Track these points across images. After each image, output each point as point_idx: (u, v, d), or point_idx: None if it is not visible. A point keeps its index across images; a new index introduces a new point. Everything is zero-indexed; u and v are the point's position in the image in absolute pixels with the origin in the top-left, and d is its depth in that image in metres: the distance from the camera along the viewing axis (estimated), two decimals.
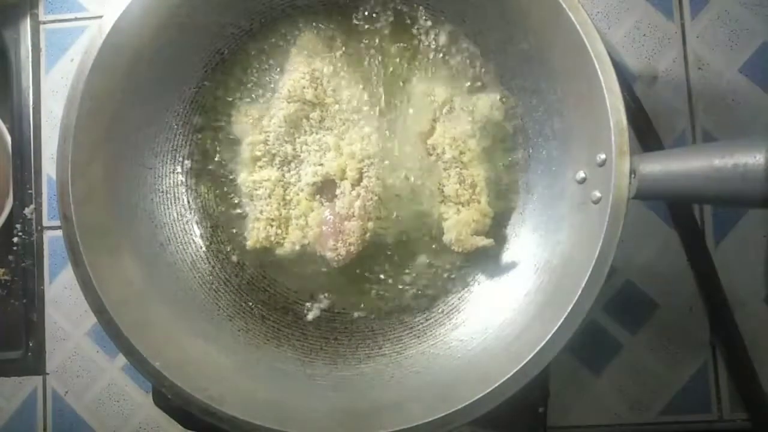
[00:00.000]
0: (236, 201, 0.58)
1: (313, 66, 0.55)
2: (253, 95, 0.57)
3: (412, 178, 0.54)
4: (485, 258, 0.55)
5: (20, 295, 0.66)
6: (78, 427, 0.65)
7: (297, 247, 0.55)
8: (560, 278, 0.47)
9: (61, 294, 0.65)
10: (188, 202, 0.58)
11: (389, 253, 0.56)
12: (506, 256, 0.55)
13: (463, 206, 0.54)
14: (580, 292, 0.42)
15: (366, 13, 0.56)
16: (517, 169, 0.56)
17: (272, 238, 0.55)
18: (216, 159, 0.58)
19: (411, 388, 0.51)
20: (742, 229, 0.60)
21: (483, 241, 0.53)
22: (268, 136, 0.55)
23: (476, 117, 0.55)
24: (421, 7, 0.55)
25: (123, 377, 0.65)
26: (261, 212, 0.55)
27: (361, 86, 0.56)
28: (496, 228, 0.55)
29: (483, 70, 0.56)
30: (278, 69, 0.57)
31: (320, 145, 0.55)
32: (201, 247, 0.58)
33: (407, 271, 0.56)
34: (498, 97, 0.55)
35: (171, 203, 0.57)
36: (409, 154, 0.55)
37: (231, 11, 0.54)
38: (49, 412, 0.65)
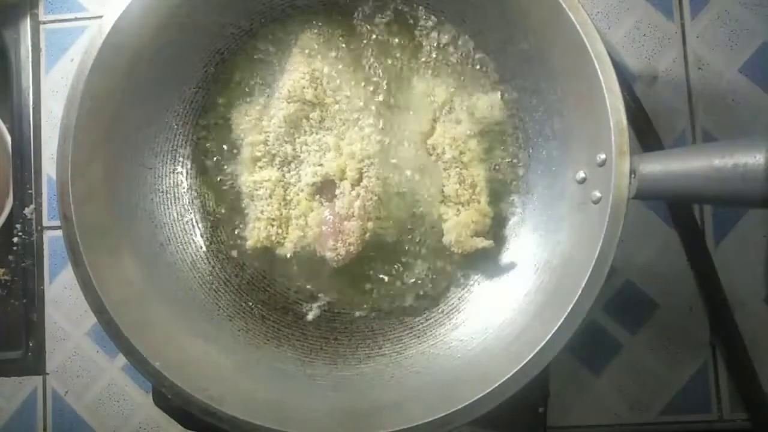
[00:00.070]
0: (236, 201, 0.58)
1: (313, 66, 0.55)
2: (253, 95, 0.57)
3: (412, 179, 0.54)
4: (485, 258, 0.55)
5: (20, 295, 0.66)
6: (78, 427, 0.65)
7: (297, 247, 0.55)
8: (560, 278, 0.47)
9: (61, 294, 0.65)
10: (188, 202, 0.58)
11: (389, 253, 0.56)
12: (506, 256, 0.55)
13: (462, 206, 0.54)
14: (580, 292, 0.42)
15: (366, 13, 0.56)
16: (517, 169, 0.56)
17: (272, 238, 0.55)
18: (216, 159, 0.58)
19: (411, 388, 0.51)
20: (742, 229, 0.60)
21: (483, 243, 0.53)
22: (268, 136, 0.55)
23: (476, 117, 0.55)
24: (421, 7, 0.55)
25: (123, 377, 0.65)
26: (261, 212, 0.55)
27: (361, 86, 0.56)
28: (496, 228, 0.55)
29: (483, 70, 0.56)
30: (278, 69, 0.57)
31: (320, 145, 0.55)
32: (201, 247, 0.58)
33: (407, 271, 0.56)
34: (498, 97, 0.55)
35: (171, 203, 0.57)
36: (409, 154, 0.55)
37: (231, 11, 0.54)
38: (49, 412, 0.65)
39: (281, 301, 0.58)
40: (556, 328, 0.42)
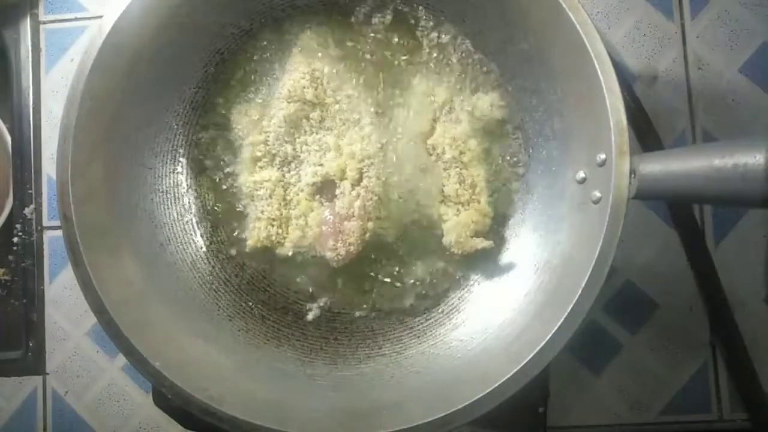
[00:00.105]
0: (236, 201, 0.58)
1: (313, 66, 0.55)
2: (253, 95, 0.57)
3: (412, 178, 0.54)
4: (485, 258, 0.55)
5: (20, 295, 0.66)
6: (78, 427, 0.65)
7: (297, 247, 0.55)
8: (560, 278, 0.47)
9: (61, 294, 0.65)
10: (188, 202, 0.58)
11: (389, 253, 0.56)
12: (506, 256, 0.55)
13: (462, 206, 0.54)
14: (580, 292, 0.42)
15: (366, 13, 0.56)
16: (517, 169, 0.56)
17: (273, 238, 0.55)
18: (216, 159, 0.58)
19: (411, 388, 0.51)
20: (742, 229, 0.60)
21: (482, 243, 0.53)
22: (268, 136, 0.55)
23: (476, 117, 0.55)
24: (421, 7, 0.55)
25: (123, 377, 0.65)
26: (261, 212, 0.55)
27: (361, 86, 0.56)
28: (496, 228, 0.55)
29: (483, 70, 0.56)
30: (278, 69, 0.57)
31: (320, 145, 0.55)
32: (201, 247, 0.58)
33: (407, 271, 0.56)
34: (498, 97, 0.55)
35: (171, 203, 0.57)
36: (409, 154, 0.55)
37: (231, 11, 0.54)
38: (49, 412, 0.65)
39: (281, 301, 0.58)
40: (556, 328, 0.42)
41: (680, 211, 0.59)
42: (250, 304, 0.57)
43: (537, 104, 0.53)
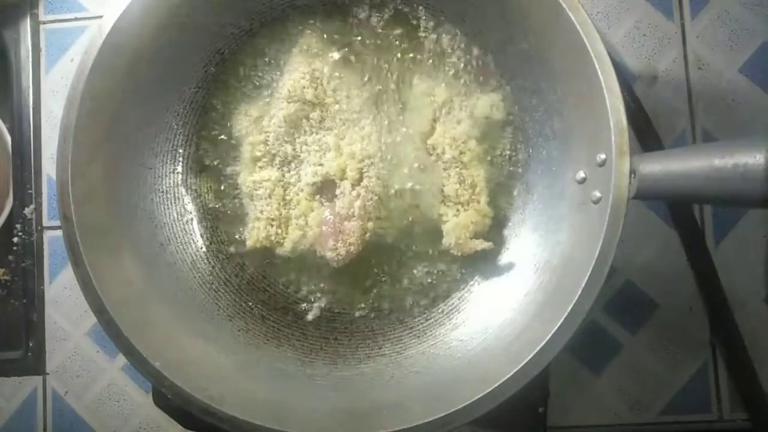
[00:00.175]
0: (236, 201, 0.58)
1: (313, 66, 0.55)
2: (253, 95, 0.57)
3: (412, 178, 0.54)
4: (485, 258, 0.55)
5: (20, 295, 0.66)
6: (78, 427, 0.65)
7: (297, 247, 0.55)
8: (560, 278, 0.47)
9: (61, 294, 0.65)
10: (188, 202, 0.58)
11: (389, 253, 0.56)
12: (506, 256, 0.55)
13: (462, 206, 0.54)
14: (580, 292, 0.42)
15: (366, 13, 0.56)
16: (517, 169, 0.56)
17: (272, 238, 0.55)
18: (216, 159, 0.58)
19: (411, 388, 0.51)
20: (742, 229, 0.60)
21: (482, 245, 0.53)
22: (268, 136, 0.55)
23: (476, 117, 0.55)
24: (421, 7, 0.55)
25: (123, 377, 0.65)
26: (261, 212, 0.55)
27: (361, 86, 0.56)
28: (496, 228, 0.55)
29: (483, 70, 0.56)
30: (278, 69, 0.57)
31: (320, 145, 0.55)
32: (201, 247, 0.58)
33: (407, 271, 0.56)
34: (498, 97, 0.55)
35: (171, 203, 0.57)
36: (409, 154, 0.55)
37: (231, 11, 0.54)
38: (49, 412, 0.65)
39: (281, 301, 0.58)
40: (556, 328, 0.42)
41: (680, 211, 0.59)
42: (250, 304, 0.57)
43: (537, 104, 0.53)
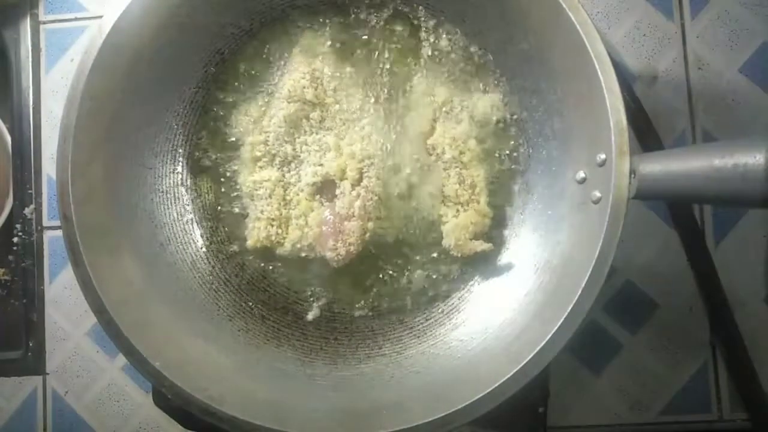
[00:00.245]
0: (236, 201, 0.58)
1: (313, 66, 0.55)
2: (253, 95, 0.57)
3: (412, 179, 0.54)
4: (485, 258, 0.55)
5: (20, 295, 0.66)
6: (78, 427, 0.65)
7: (297, 247, 0.55)
8: (560, 278, 0.47)
9: (61, 294, 0.65)
10: (188, 202, 0.58)
11: (389, 253, 0.56)
12: (506, 256, 0.55)
13: (462, 206, 0.54)
14: (580, 292, 0.42)
15: (366, 13, 0.56)
16: (517, 169, 0.56)
17: (272, 238, 0.55)
18: (216, 159, 0.58)
19: (411, 388, 0.51)
20: (742, 229, 0.60)
21: (482, 246, 0.53)
22: (268, 136, 0.55)
23: (476, 117, 0.55)
24: (421, 7, 0.55)
25: (123, 377, 0.65)
26: (261, 212, 0.55)
27: (361, 86, 0.56)
28: (496, 228, 0.55)
29: (483, 70, 0.56)
30: (278, 69, 0.57)
31: (320, 145, 0.55)
32: (201, 247, 0.58)
33: (407, 271, 0.56)
34: (498, 97, 0.55)
35: (171, 203, 0.57)
36: (409, 154, 0.55)
37: (231, 11, 0.54)
38: (49, 412, 0.65)
39: (281, 301, 0.58)
40: (556, 328, 0.42)
41: (680, 211, 0.59)
42: (250, 304, 0.57)
43: (537, 104, 0.53)
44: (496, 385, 0.43)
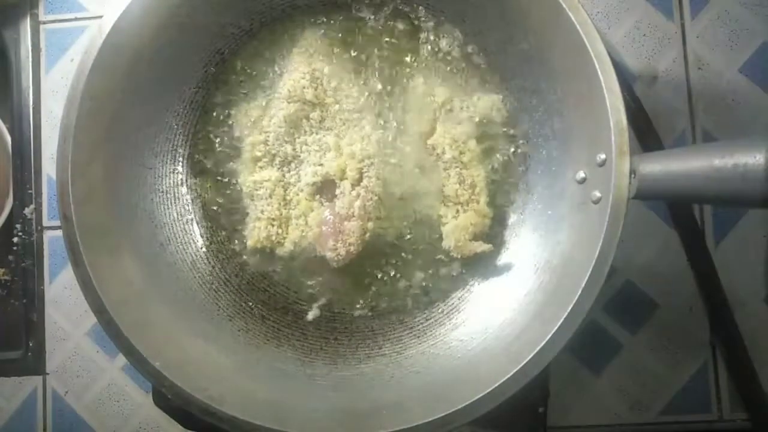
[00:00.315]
0: (236, 201, 0.58)
1: (313, 66, 0.55)
2: (253, 95, 0.57)
3: (412, 179, 0.54)
4: (485, 258, 0.55)
5: (20, 295, 0.66)
6: (78, 427, 0.65)
7: (297, 247, 0.55)
8: (560, 278, 0.47)
9: (61, 294, 0.65)
10: (188, 202, 0.58)
11: (389, 253, 0.56)
12: (506, 256, 0.55)
13: (462, 207, 0.54)
14: (580, 292, 0.42)
15: (366, 13, 0.56)
16: (517, 169, 0.56)
17: (273, 238, 0.55)
18: (216, 159, 0.58)
19: (411, 388, 0.51)
20: (742, 229, 0.60)
21: (482, 247, 0.53)
22: (268, 136, 0.55)
23: (476, 117, 0.55)
24: (421, 7, 0.55)
25: (123, 377, 0.65)
26: (261, 212, 0.55)
27: (361, 86, 0.56)
28: (496, 228, 0.55)
29: (483, 70, 0.56)
30: (278, 69, 0.57)
31: (320, 145, 0.55)
32: (201, 247, 0.58)
33: (407, 271, 0.56)
34: (498, 98, 0.55)
35: (171, 203, 0.57)
36: (409, 154, 0.55)
37: (231, 11, 0.54)
38: (49, 412, 0.65)
39: (281, 301, 0.58)
40: (556, 328, 0.42)
41: (680, 211, 0.59)
42: (250, 304, 0.57)
43: (537, 104, 0.53)
44: (496, 385, 0.43)
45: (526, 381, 0.43)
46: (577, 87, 0.46)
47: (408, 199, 0.55)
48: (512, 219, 0.56)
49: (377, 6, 0.56)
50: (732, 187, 0.39)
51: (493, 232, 0.55)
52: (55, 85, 0.67)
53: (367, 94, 0.56)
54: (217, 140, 0.58)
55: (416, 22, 0.56)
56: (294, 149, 0.55)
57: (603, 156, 0.43)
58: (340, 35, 0.57)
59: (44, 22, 0.67)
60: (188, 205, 0.58)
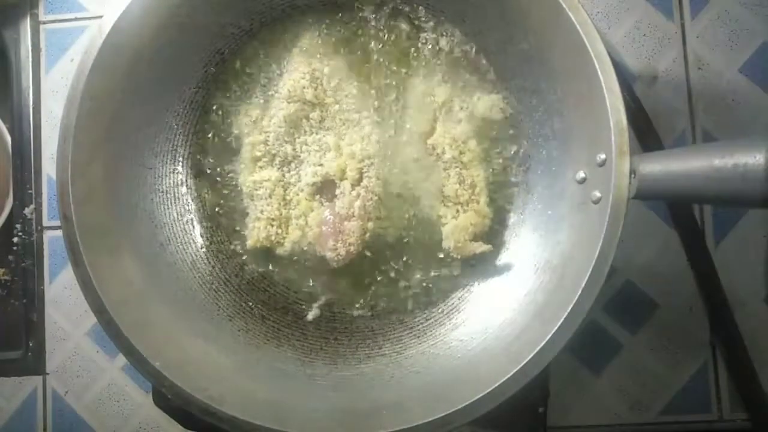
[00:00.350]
0: (236, 201, 0.58)
1: (313, 66, 0.55)
2: (253, 95, 0.57)
3: (412, 179, 0.54)
4: (485, 258, 0.55)
5: (20, 295, 0.66)
6: (78, 427, 0.65)
7: (297, 247, 0.55)
8: (560, 278, 0.47)
9: (61, 294, 0.65)
10: (188, 202, 0.58)
11: (389, 253, 0.56)
12: (506, 256, 0.55)
13: (462, 207, 0.54)
14: (580, 292, 0.42)
15: (366, 13, 0.56)
16: (517, 169, 0.56)
17: (272, 238, 0.55)
18: (216, 159, 0.58)
19: (411, 388, 0.51)
20: (742, 229, 0.60)
21: (481, 248, 0.53)
22: (268, 136, 0.55)
23: (476, 117, 0.55)
24: (421, 7, 0.55)
25: (123, 377, 0.65)
26: (261, 212, 0.55)
27: (361, 86, 0.56)
28: (496, 228, 0.55)
29: (483, 70, 0.56)
30: (278, 69, 0.57)
31: (320, 145, 0.55)
32: (201, 247, 0.58)
33: (407, 271, 0.56)
34: (498, 98, 0.55)
35: (171, 203, 0.57)
36: (409, 154, 0.55)
37: (231, 11, 0.54)
38: (49, 412, 0.65)
39: (281, 301, 0.58)
40: (556, 328, 0.42)
41: (680, 211, 0.59)
42: (250, 304, 0.57)
43: (537, 104, 0.53)
44: (496, 385, 0.43)
45: (526, 381, 0.43)
46: (577, 87, 0.46)
47: (408, 199, 0.55)
48: (512, 219, 0.56)
49: (377, 6, 0.56)
50: (732, 187, 0.39)
51: (493, 232, 0.55)
52: (55, 85, 0.67)
53: (367, 93, 0.56)
54: (217, 140, 0.58)
55: (416, 22, 0.56)
56: (294, 149, 0.55)
57: (603, 156, 0.43)
58: (340, 35, 0.57)
59: (44, 22, 0.67)
60: (188, 205, 0.58)
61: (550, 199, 0.52)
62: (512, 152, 0.56)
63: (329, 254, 0.53)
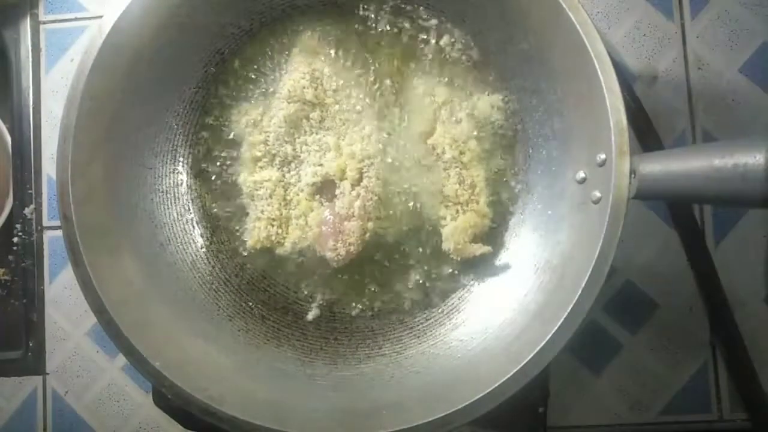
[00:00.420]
0: (236, 201, 0.58)
1: (313, 66, 0.55)
2: (253, 95, 0.57)
3: (413, 179, 0.54)
4: (485, 258, 0.55)
5: (20, 295, 0.66)
6: (78, 427, 0.65)
7: (297, 247, 0.55)
8: (560, 278, 0.47)
9: (61, 294, 0.65)
10: (188, 202, 0.58)
11: (389, 253, 0.56)
12: (506, 256, 0.55)
13: (462, 207, 0.54)
14: (580, 292, 0.42)
15: (366, 13, 0.56)
16: (517, 169, 0.56)
17: (272, 238, 0.55)
18: (216, 159, 0.58)
19: (411, 388, 0.51)
20: (742, 229, 0.60)
21: (481, 249, 0.53)
22: (268, 136, 0.55)
23: (476, 117, 0.55)
24: (421, 7, 0.55)
25: (123, 377, 0.65)
26: (261, 212, 0.55)
27: (361, 86, 0.56)
28: (496, 228, 0.55)
29: (483, 70, 0.56)
30: (278, 69, 0.57)
31: (320, 145, 0.55)
32: (201, 247, 0.58)
33: (407, 271, 0.56)
34: (498, 98, 0.55)
35: (171, 203, 0.57)
36: (409, 154, 0.55)
37: (231, 11, 0.54)
38: (49, 412, 0.65)
39: (281, 301, 0.58)
40: (556, 328, 0.42)
41: (680, 211, 0.59)
42: (250, 304, 0.57)
43: (537, 104, 0.53)
44: (496, 385, 0.43)
45: (526, 381, 0.43)
46: (577, 87, 0.46)
47: (408, 199, 0.55)
48: (512, 219, 0.56)
49: (377, 6, 0.56)
50: (732, 187, 0.39)
51: (493, 232, 0.55)
52: (55, 85, 0.67)
53: (367, 93, 0.56)
54: (217, 141, 0.58)
55: (416, 22, 0.56)
56: (294, 149, 0.55)
57: (603, 156, 0.43)
58: (340, 35, 0.57)
59: (44, 22, 0.67)
60: (188, 205, 0.58)
61: (550, 199, 0.52)
62: (512, 152, 0.56)
63: (329, 254, 0.53)
